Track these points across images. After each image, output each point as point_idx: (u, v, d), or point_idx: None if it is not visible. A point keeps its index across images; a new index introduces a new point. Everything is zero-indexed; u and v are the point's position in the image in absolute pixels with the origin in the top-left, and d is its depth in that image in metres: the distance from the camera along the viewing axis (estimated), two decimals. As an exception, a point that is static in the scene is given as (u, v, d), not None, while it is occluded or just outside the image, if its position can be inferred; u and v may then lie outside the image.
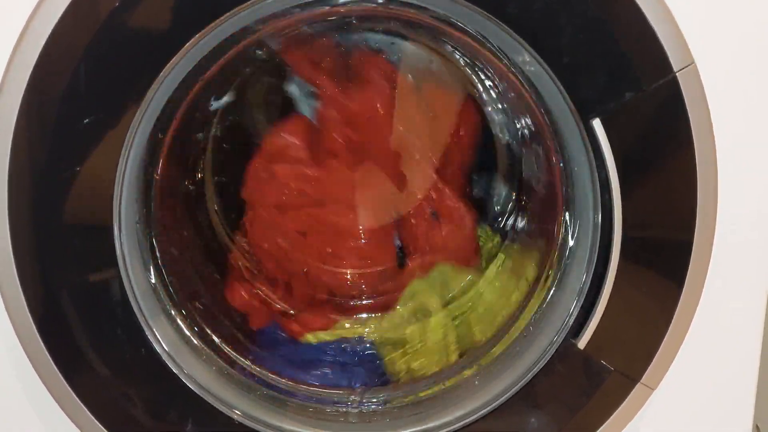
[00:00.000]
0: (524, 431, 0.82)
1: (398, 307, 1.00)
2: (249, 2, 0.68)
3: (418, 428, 0.83)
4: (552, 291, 0.83)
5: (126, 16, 0.67)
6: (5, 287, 0.73)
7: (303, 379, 0.89)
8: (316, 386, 0.89)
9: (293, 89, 0.98)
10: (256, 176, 0.97)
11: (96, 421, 0.77)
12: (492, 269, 0.99)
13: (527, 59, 0.72)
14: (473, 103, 0.99)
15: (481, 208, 1.04)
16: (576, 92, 0.71)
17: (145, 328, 0.77)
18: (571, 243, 0.81)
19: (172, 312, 0.82)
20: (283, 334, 0.97)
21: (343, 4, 0.81)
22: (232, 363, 0.86)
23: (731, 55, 0.72)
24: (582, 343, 0.78)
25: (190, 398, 0.79)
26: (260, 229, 1.00)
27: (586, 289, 0.77)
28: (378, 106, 0.96)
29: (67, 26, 0.67)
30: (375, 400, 0.88)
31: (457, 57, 0.95)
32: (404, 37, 0.95)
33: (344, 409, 0.87)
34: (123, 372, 0.77)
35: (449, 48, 0.94)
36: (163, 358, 0.78)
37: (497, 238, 1.02)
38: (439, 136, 1.01)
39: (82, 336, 0.75)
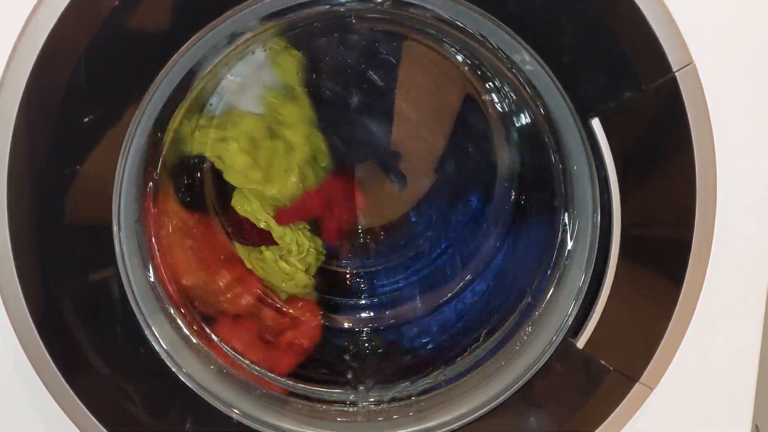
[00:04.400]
0: (524, 431, 0.82)
1: None
2: (249, 1, 0.69)
3: (418, 428, 0.83)
4: (551, 290, 0.83)
5: (126, 14, 0.67)
6: (4, 287, 0.73)
7: None
8: (314, 385, 0.90)
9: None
10: None
11: (95, 419, 0.77)
12: None
13: (526, 58, 0.72)
14: (473, 102, 0.99)
15: (481, 208, 1.05)
16: (575, 92, 0.71)
17: (144, 327, 0.77)
18: (570, 242, 0.81)
19: (171, 311, 0.83)
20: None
21: (343, 3, 0.81)
22: (230, 362, 0.86)
23: (730, 54, 0.72)
24: (581, 342, 0.78)
25: (189, 397, 0.79)
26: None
27: (585, 289, 0.77)
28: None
29: (68, 25, 0.67)
30: (374, 399, 0.88)
31: (457, 56, 0.95)
32: (404, 37, 0.95)
33: (343, 409, 0.87)
34: (122, 371, 0.77)
35: (449, 47, 0.94)
36: (162, 357, 0.78)
37: None
38: (438, 136, 1.01)
39: (81, 335, 0.75)
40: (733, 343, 0.82)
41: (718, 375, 0.83)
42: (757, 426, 0.93)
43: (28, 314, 0.73)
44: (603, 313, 0.76)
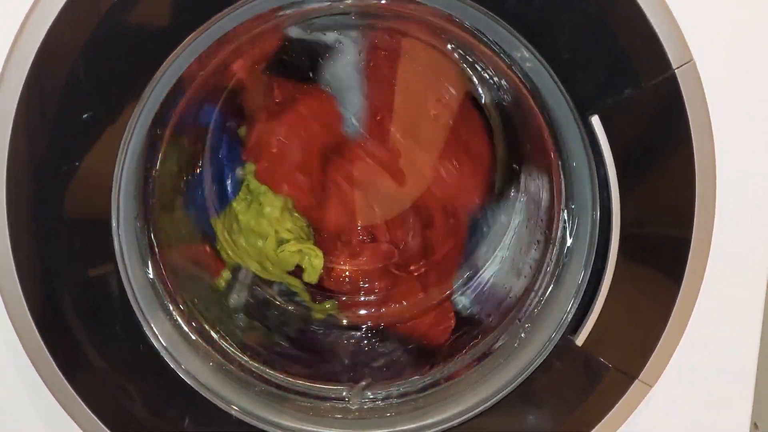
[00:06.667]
0: (522, 428, 0.82)
1: None
2: (247, -2, 0.69)
3: (417, 424, 0.83)
4: (550, 288, 0.83)
5: (125, 11, 0.67)
6: (3, 283, 0.73)
7: None
8: (313, 382, 0.90)
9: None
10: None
11: (94, 416, 0.77)
12: None
13: (526, 55, 0.72)
14: (472, 99, 0.99)
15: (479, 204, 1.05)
16: (575, 89, 0.71)
17: (143, 324, 0.77)
18: (569, 240, 0.81)
19: (170, 307, 0.83)
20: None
21: (342, 0, 0.81)
22: (229, 359, 0.86)
23: (730, 52, 0.72)
24: (580, 340, 0.78)
25: (188, 394, 0.79)
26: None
27: (585, 286, 0.77)
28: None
29: (66, 21, 0.67)
30: (373, 396, 0.88)
31: (456, 54, 0.95)
32: (404, 34, 0.95)
33: (342, 405, 0.87)
34: (121, 368, 0.77)
35: (448, 45, 0.94)
36: (161, 353, 0.78)
37: None
38: (438, 132, 1.01)
39: (81, 331, 0.75)
40: (732, 340, 0.82)
41: (716, 373, 0.83)
42: (755, 424, 0.93)
43: (28, 313, 0.73)
44: (602, 310, 0.76)
